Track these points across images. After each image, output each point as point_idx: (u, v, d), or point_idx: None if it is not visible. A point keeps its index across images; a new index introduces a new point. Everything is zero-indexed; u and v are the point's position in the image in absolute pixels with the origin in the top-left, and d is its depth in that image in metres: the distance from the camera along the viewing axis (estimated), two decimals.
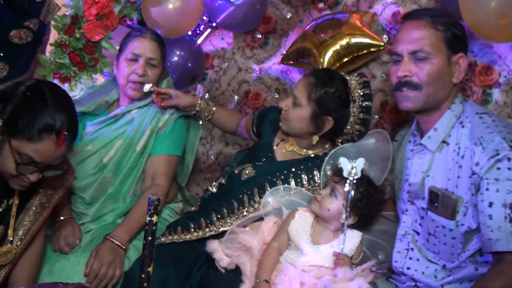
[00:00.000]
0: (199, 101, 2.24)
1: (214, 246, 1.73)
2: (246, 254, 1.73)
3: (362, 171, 1.68)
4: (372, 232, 1.89)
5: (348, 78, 2.00)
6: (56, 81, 2.28)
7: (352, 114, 1.95)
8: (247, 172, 2.03)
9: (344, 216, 1.67)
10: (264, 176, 1.98)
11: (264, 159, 2.06)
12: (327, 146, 2.02)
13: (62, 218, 2.04)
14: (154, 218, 0.92)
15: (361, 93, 1.96)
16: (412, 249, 1.70)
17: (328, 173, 1.90)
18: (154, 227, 0.92)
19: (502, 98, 2.12)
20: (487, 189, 1.49)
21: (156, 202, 0.91)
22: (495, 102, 2.13)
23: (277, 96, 2.74)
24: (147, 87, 2.09)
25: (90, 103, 2.22)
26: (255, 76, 2.85)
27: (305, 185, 1.94)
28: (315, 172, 1.93)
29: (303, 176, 1.95)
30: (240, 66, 2.86)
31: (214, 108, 2.29)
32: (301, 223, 1.75)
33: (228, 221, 1.93)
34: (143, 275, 0.94)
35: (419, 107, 1.63)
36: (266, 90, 2.79)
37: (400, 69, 1.62)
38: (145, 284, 0.94)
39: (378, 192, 1.80)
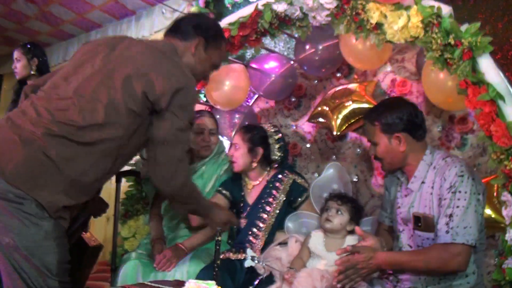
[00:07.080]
0: None
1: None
2: (277, 263, 2.43)
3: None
4: None
5: (265, 126, 2.82)
6: None
7: (273, 151, 2.76)
8: (242, 221, 2.73)
9: (350, 225, 2.41)
10: (253, 213, 2.69)
11: (242, 205, 2.76)
12: (268, 169, 2.77)
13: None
14: (219, 238, 1.80)
15: (276, 137, 2.78)
16: None
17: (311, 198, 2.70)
18: (220, 242, 1.79)
19: (475, 141, 2.58)
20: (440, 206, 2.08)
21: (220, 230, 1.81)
22: (470, 145, 2.61)
23: (309, 145, 3.31)
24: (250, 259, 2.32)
25: None
26: (292, 131, 3.41)
27: (277, 197, 2.66)
28: (277, 184, 2.69)
29: (273, 191, 2.68)
30: (281, 123, 3.43)
31: None
32: (317, 239, 2.43)
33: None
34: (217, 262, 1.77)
35: (388, 169, 2.34)
36: (301, 141, 3.35)
37: (370, 151, 2.37)
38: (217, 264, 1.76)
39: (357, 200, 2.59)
